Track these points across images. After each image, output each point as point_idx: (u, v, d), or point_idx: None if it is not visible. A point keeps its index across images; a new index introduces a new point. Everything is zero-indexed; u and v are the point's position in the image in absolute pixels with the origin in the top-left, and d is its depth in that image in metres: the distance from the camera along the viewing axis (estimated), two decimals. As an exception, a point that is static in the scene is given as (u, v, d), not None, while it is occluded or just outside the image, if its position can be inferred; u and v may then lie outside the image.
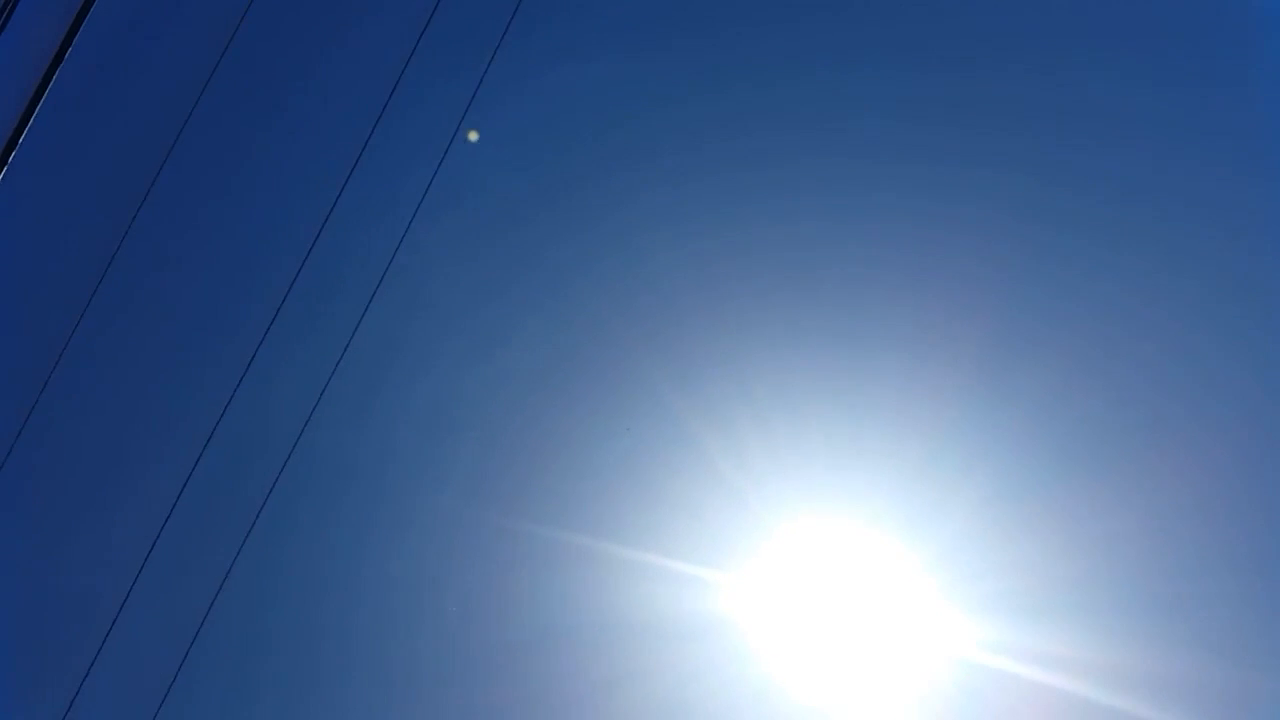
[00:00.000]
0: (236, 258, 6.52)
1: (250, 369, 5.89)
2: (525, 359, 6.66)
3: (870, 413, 6.36)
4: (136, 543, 5.93)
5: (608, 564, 6.44)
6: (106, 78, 6.22)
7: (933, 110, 6.55)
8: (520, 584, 6.51)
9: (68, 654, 6.12)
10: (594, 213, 6.59)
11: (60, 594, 6.30)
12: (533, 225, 6.58)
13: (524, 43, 6.38)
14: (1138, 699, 5.89)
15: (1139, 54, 6.20)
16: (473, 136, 6.36)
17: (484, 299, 6.59)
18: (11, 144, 4.65)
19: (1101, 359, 6.21)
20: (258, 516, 5.93)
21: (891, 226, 6.45)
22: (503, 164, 6.66)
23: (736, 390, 6.48)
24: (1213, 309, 6.01)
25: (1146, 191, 6.11)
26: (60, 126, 5.85)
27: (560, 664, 6.45)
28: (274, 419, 6.18)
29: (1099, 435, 6.11)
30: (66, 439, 6.24)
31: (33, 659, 6.26)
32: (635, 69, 6.58)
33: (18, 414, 5.95)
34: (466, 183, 6.55)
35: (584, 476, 6.59)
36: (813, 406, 6.43)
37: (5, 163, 4.58)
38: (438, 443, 6.69)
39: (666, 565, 6.39)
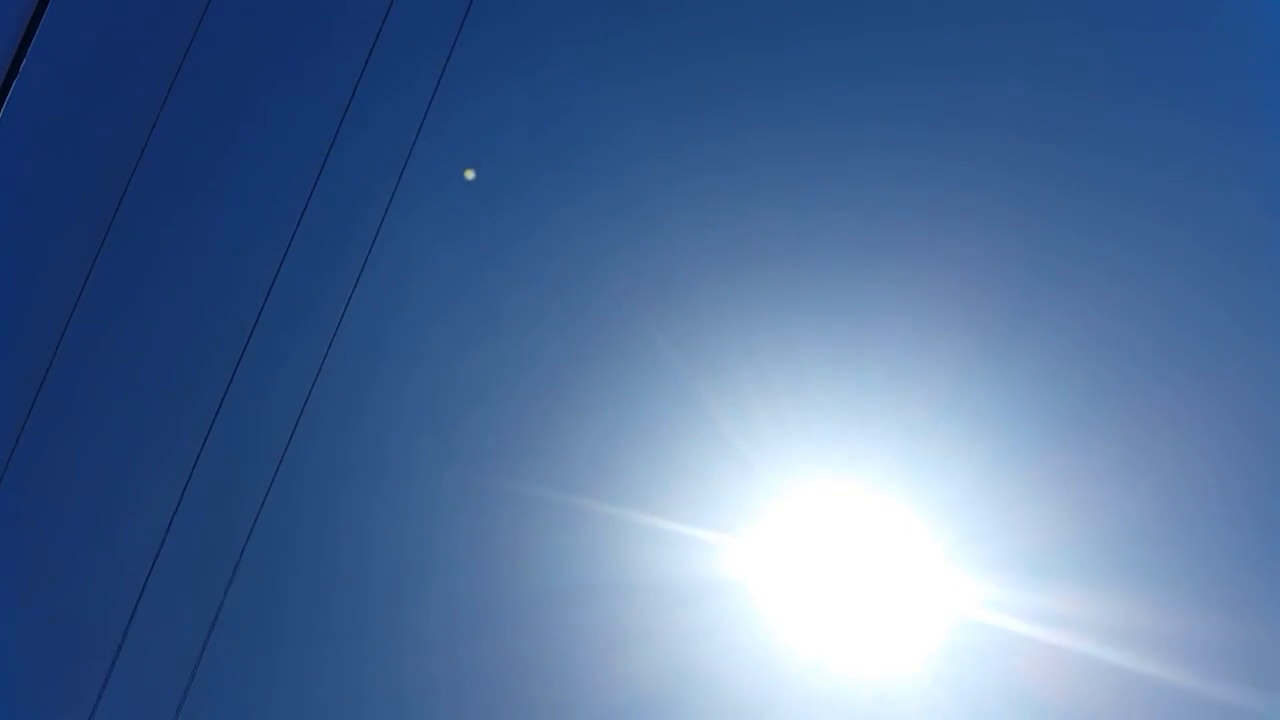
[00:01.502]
0: (211, 262, 6.52)
1: (237, 371, 5.91)
2: (530, 327, 6.69)
3: (874, 377, 6.40)
4: (136, 553, 5.97)
5: (614, 527, 6.50)
6: (68, 81, 6.18)
7: (937, 73, 6.54)
8: (527, 547, 6.57)
9: (72, 666, 6.19)
10: (592, 181, 6.59)
11: (60, 607, 6.34)
12: (529, 197, 6.57)
13: (508, 12, 6.37)
14: (1139, 656, 5.97)
15: (1133, 49, 6.20)
16: (469, 175, 6.37)
17: (482, 272, 6.60)
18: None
19: (1107, 320, 6.24)
20: (257, 517, 5.98)
21: (898, 192, 6.45)
22: (491, 144, 6.67)
23: (741, 355, 6.51)
24: (1216, 271, 6.04)
25: (1151, 154, 6.11)
26: (21, 132, 5.81)
27: (567, 625, 6.53)
28: (266, 417, 6.21)
29: (1102, 397, 6.15)
30: (57, 450, 6.24)
31: (34, 674, 6.32)
32: (630, 32, 6.56)
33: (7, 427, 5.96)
34: (450, 159, 6.57)
35: (590, 442, 6.63)
36: (817, 371, 6.47)
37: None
38: (443, 410, 6.72)
39: (673, 529, 6.45)
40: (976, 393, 6.24)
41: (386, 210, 6.29)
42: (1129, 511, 6.03)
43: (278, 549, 6.35)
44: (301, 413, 6.19)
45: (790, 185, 6.54)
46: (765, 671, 6.37)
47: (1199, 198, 6.20)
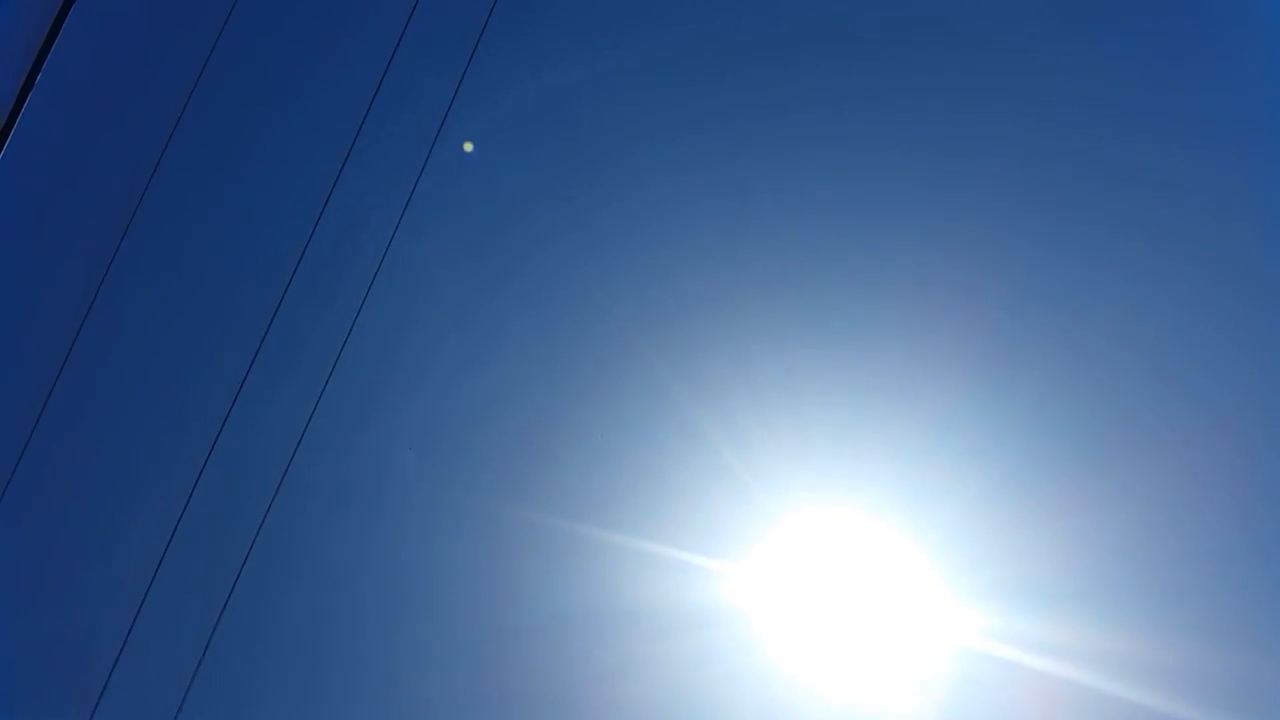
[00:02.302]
0: (217, 279, 6.58)
1: (242, 388, 5.95)
2: (527, 354, 6.71)
3: (874, 402, 6.38)
4: (135, 571, 5.99)
5: (611, 554, 6.49)
6: (79, 98, 6.27)
7: (936, 99, 6.57)
8: (525, 573, 6.56)
9: (68, 681, 6.19)
10: (594, 205, 6.65)
11: (58, 621, 6.35)
12: (529, 221, 6.63)
13: (514, 36, 6.44)
14: (1141, 687, 5.90)
15: (1144, 36, 6.20)
16: (468, 147, 6.41)
17: (482, 297, 6.64)
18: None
19: (1108, 348, 6.21)
20: (257, 535, 6.00)
21: (896, 217, 6.47)
22: (492, 161, 6.72)
23: (740, 380, 6.51)
24: (1216, 300, 6.01)
25: (1150, 181, 6.10)
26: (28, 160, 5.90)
27: (564, 652, 6.50)
28: (269, 434, 6.24)
29: (1103, 424, 6.11)
30: (58, 466, 6.29)
31: (31, 686, 6.32)
32: (631, 57, 6.61)
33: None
34: (459, 181, 6.62)
35: (587, 467, 6.62)
36: (816, 397, 6.46)
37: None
38: (441, 438, 6.73)
39: (670, 555, 6.43)
40: (977, 419, 6.22)
41: (395, 231, 6.35)
42: (1130, 539, 5.98)
43: (275, 568, 6.36)
44: (304, 432, 6.23)
45: (791, 211, 6.57)
46: (763, 699, 6.32)
47: (1201, 227, 6.19)
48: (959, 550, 6.13)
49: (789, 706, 6.30)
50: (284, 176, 6.42)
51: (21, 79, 4.78)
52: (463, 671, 6.54)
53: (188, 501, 5.90)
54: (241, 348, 6.03)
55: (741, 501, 6.41)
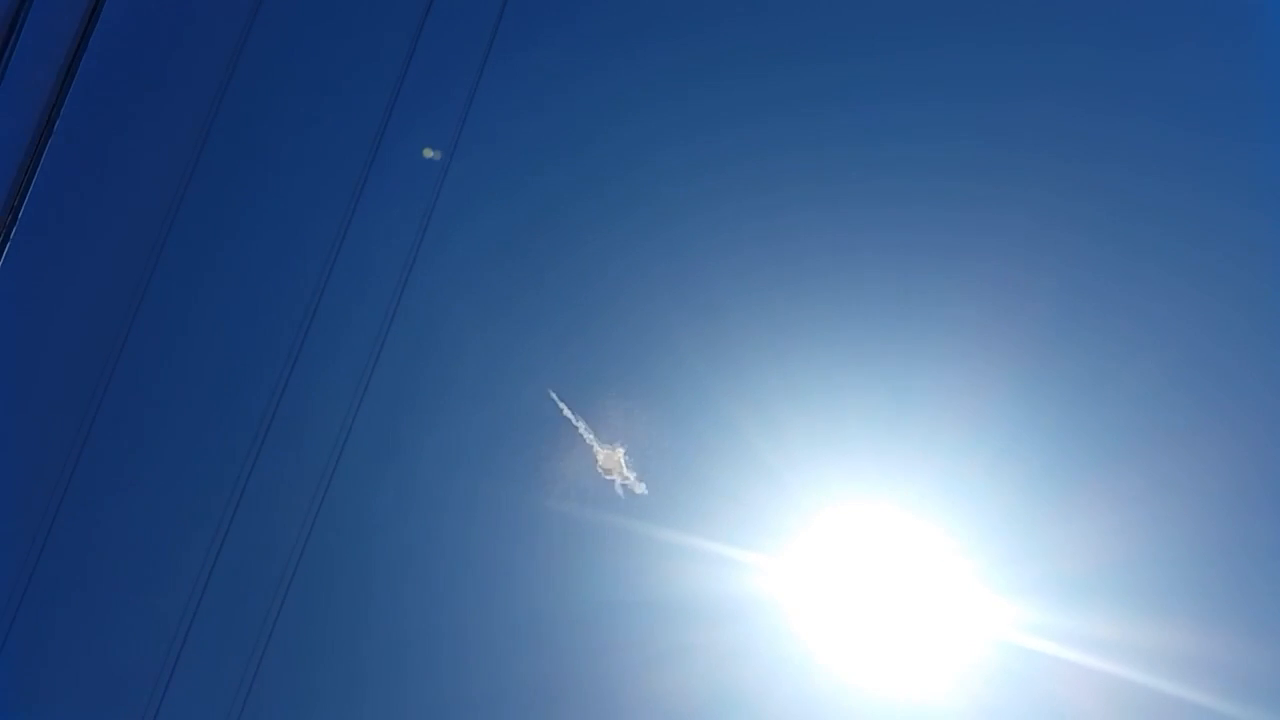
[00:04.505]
0: (245, 302, 6.62)
1: (276, 410, 6.00)
2: (562, 350, 6.75)
3: (910, 397, 6.40)
4: (176, 601, 6.04)
5: (649, 547, 6.52)
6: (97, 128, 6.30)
7: (969, 91, 6.57)
8: (563, 567, 6.60)
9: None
10: (626, 202, 6.66)
11: (102, 666, 6.40)
12: (561, 219, 6.65)
13: (545, 35, 6.48)
14: (1178, 680, 5.92)
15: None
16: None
17: (517, 294, 6.67)
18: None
19: (1148, 341, 6.21)
20: (302, 552, 6.06)
21: (933, 211, 6.47)
22: (525, 160, 6.75)
23: (775, 374, 6.54)
24: (1259, 295, 6.00)
25: (1198, 178, 6.10)
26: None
27: (602, 644, 6.54)
28: (305, 454, 6.28)
29: (1143, 418, 6.12)
30: (96, 507, 6.32)
31: None
32: (660, 56, 6.63)
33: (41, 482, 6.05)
34: (492, 179, 6.67)
35: (624, 461, 6.66)
36: (853, 391, 6.47)
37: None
38: (477, 431, 6.77)
39: (708, 548, 6.46)
40: (1015, 413, 6.23)
41: (420, 241, 6.38)
42: (1170, 534, 5.99)
43: (317, 582, 6.41)
44: (341, 451, 6.26)
45: (824, 204, 6.58)
46: (800, 692, 6.36)
47: (1242, 220, 6.18)
48: (997, 545, 6.16)
49: (824, 698, 6.34)
50: (301, 203, 6.45)
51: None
52: (506, 661, 6.59)
53: (230, 521, 5.95)
54: (269, 376, 6.08)
55: (778, 496, 6.44)
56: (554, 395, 6.38)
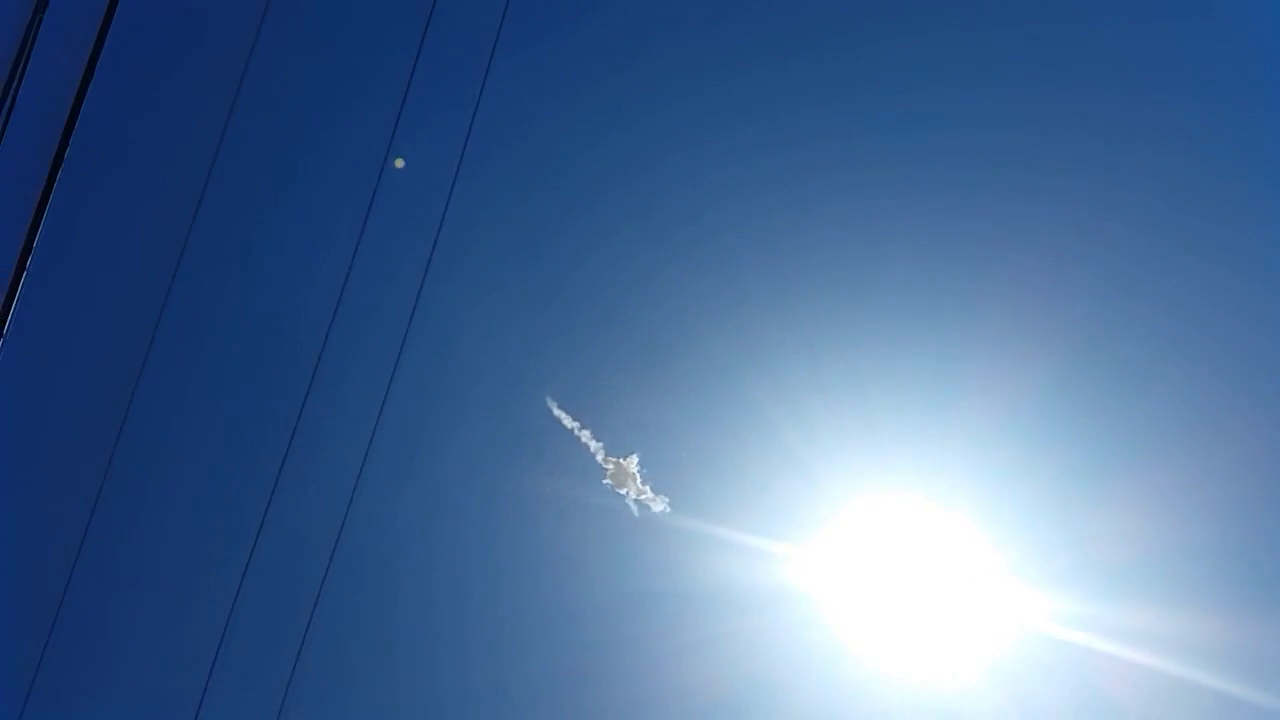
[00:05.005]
0: (261, 329, 6.57)
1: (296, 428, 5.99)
2: (593, 340, 6.72)
3: (941, 388, 6.36)
4: (210, 625, 6.08)
5: (679, 537, 6.55)
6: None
7: (1004, 77, 6.39)
8: (595, 557, 6.66)
9: None
10: (657, 195, 6.56)
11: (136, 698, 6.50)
12: (594, 214, 6.56)
13: (581, 26, 6.31)
14: (1211, 670, 5.95)
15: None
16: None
17: (547, 287, 6.62)
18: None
19: (1183, 334, 6.14)
20: (330, 563, 6.10)
21: (965, 201, 6.36)
22: (555, 152, 6.64)
23: (805, 365, 6.51)
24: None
25: (1233, 167, 5.93)
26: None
27: (635, 633, 6.62)
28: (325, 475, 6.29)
29: (1179, 409, 6.05)
30: (126, 537, 6.34)
31: None
32: (690, 48, 6.45)
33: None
34: (523, 170, 6.57)
35: (654, 453, 6.67)
36: (883, 382, 6.44)
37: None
38: (511, 421, 6.77)
39: (736, 538, 6.49)
40: (1048, 404, 6.18)
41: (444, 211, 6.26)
42: (1204, 525, 5.96)
43: (345, 591, 6.47)
44: (363, 465, 6.25)
45: (855, 196, 6.47)
46: (831, 681, 6.43)
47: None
48: (1029, 537, 6.15)
49: (854, 687, 6.42)
50: (312, 226, 6.36)
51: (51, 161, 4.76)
52: (537, 650, 6.69)
53: (259, 531, 5.97)
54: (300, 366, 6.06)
55: (809, 488, 6.45)
56: (554, 406, 6.38)
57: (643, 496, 6.47)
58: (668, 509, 6.45)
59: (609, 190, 6.59)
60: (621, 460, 6.50)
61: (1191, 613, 5.99)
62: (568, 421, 6.51)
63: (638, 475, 6.47)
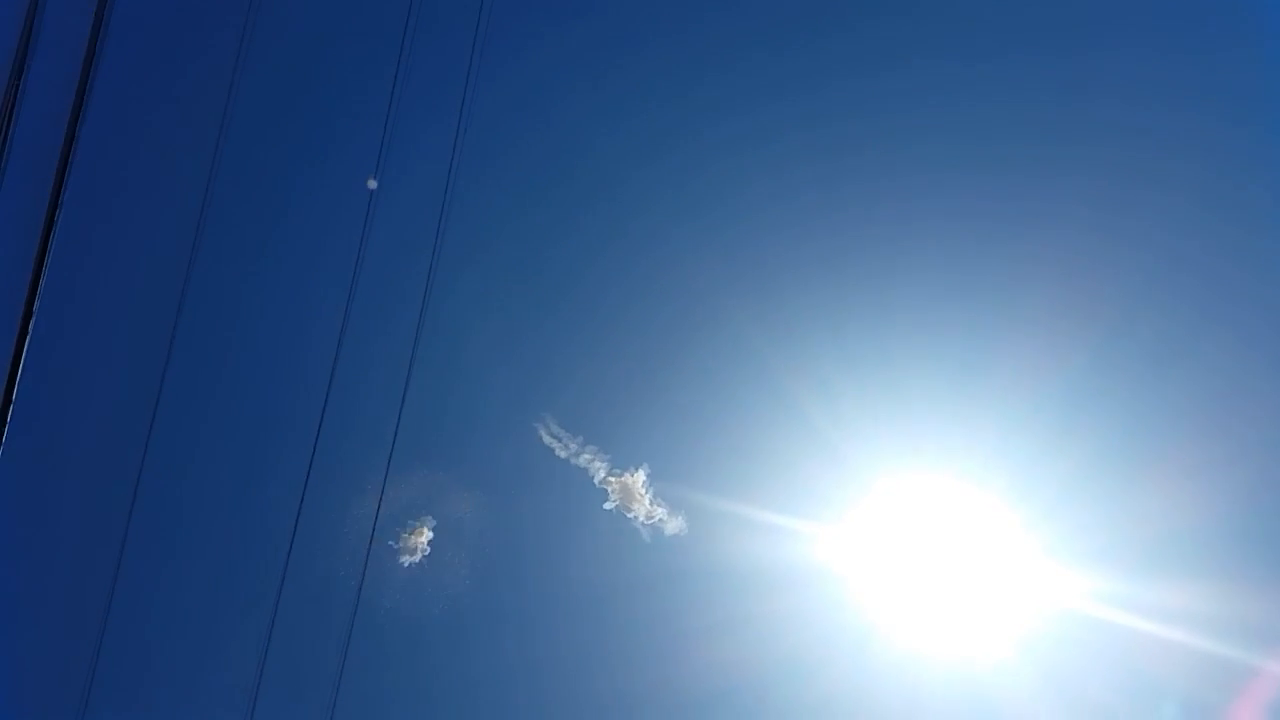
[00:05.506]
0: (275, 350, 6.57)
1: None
2: (622, 317, 6.74)
3: (972, 366, 6.37)
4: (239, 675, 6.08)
5: (711, 517, 6.56)
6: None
7: (1038, 45, 6.42)
8: (623, 536, 6.66)
9: None
10: (685, 171, 6.57)
11: None
12: (621, 191, 6.59)
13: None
14: (1244, 646, 5.97)
15: None
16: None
17: (578, 264, 6.65)
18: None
19: (1219, 309, 6.15)
20: (366, 563, 6.11)
21: (996, 177, 6.36)
22: (586, 125, 6.68)
23: (833, 344, 6.52)
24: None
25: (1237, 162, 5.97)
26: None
27: (663, 611, 6.62)
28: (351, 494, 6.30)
29: (1210, 389, 6.06)
30: (152, 593, 6.31)
31: None
32: (722, 22, 6.50)
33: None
34: (554, 146, 6.62)
35: (682, 433, 6.69)
36: (913, 361, 6.45)
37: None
38: (544, 397, 6.76)
39: (764, 518, 6.51)
40: (1080, 383, 6.17)
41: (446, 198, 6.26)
42: (1236, 505, 5.97)
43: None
44: (386, 478, 6.24)
45: (881, 175, 6.48)
46: (863, 660, 6.44)
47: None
48: (1061, 515, 6.16)
49: (886, 666, 6.43)
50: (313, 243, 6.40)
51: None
52: (565, 630, 6.69)
53: (290, 547, 5.94)
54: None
55: (838, 467, 6.46)
56: (545, 430, 6.42)
57: (657, 509, 6.52)
58: (694, 494, 6.49)
59: (609, 188, 6.66)
60: (632, 472, 6.54)
61: (1234, 592, 5.99)
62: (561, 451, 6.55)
63: (646, 490, 6.53)
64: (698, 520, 6.52)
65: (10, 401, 4.40)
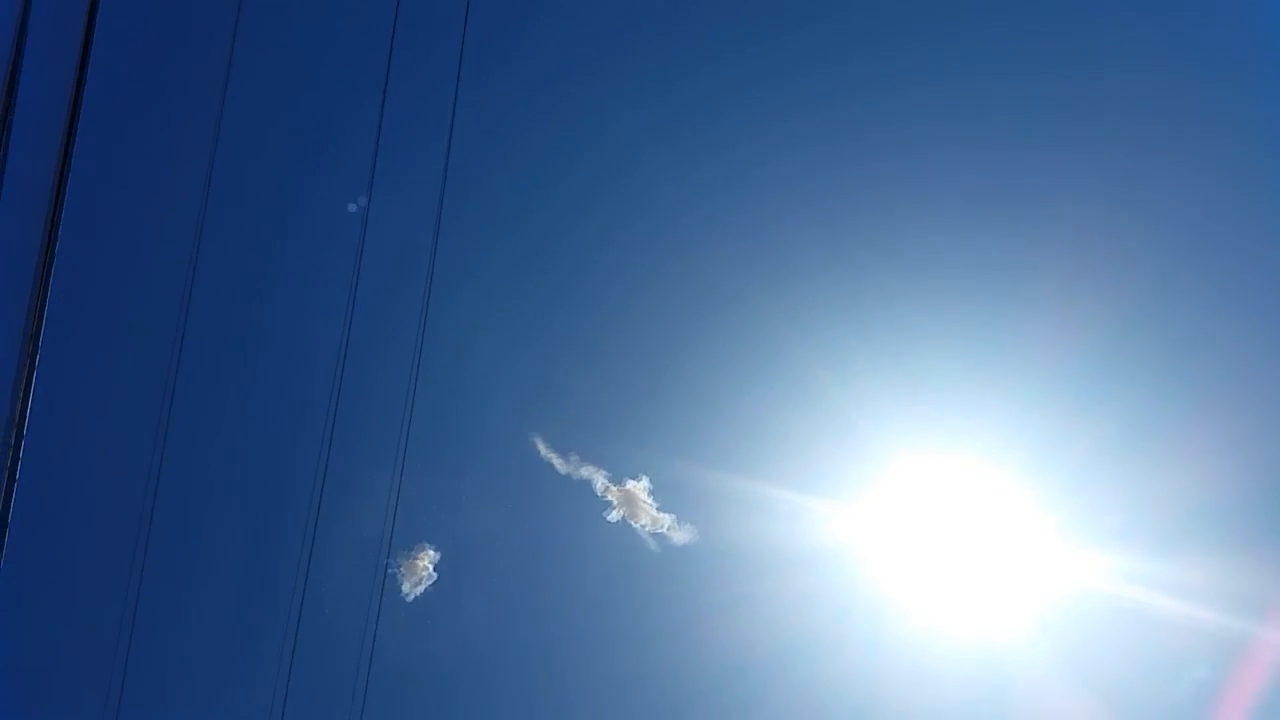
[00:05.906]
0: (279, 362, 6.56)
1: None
2: (640, 298, 6.73)
3: (991, 346, 6.37)
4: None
5: (727, 496, 6.56)
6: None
7: (1056, 12, 6.40)
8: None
9: None
10: (705, 152, 6.56)
11: None
12: (639, 173, 6.58)
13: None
14: (1254, 621, 5.98)
15: None
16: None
17: (595, 245, 6.64)
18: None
19: (1234, 291, 6.14)
20: (384, 575, 6.11)
21: (1017, 154, 6.34)
22: (601, 108, 6.67)
23: (851, 326, 6.52)
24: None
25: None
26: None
27: (679, 590, 6.63)
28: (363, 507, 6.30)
29: (1227, 368, 6.05)
30: (171, 622, 6.30)
31: None
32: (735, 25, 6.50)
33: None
34: (574, 131, 6.61)
35: (698, 412, 6.68)
36: (930, 342, 6.44)
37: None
38: (563, 376, 6.76)
39: (782, 496, 6.51)
40: (1096, 365, 6.16)
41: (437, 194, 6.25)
42: (1252, 483, 5.96)
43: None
44: (398, 493, 6.23)
45: (897, 155, 6.46)
46: (880, 638, 6.45)
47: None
48: (1078, 494, 6.16)
49: (902, 644, 6.45)
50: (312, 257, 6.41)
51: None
52: (582, 609, 6.70)
53: (309, 555, 5.94)
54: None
55: (857, 447, 6.46)
56: (539, 444, 6.42)
57: (664, 512, 6.53)
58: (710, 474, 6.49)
59: (647, 155, 6.64)
60: (642, 477, 6.54)
61: (1239, 569, 6.00)
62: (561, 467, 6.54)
63: (654, 496, 6.54)
64: (704, 521, 6.52)
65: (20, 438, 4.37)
